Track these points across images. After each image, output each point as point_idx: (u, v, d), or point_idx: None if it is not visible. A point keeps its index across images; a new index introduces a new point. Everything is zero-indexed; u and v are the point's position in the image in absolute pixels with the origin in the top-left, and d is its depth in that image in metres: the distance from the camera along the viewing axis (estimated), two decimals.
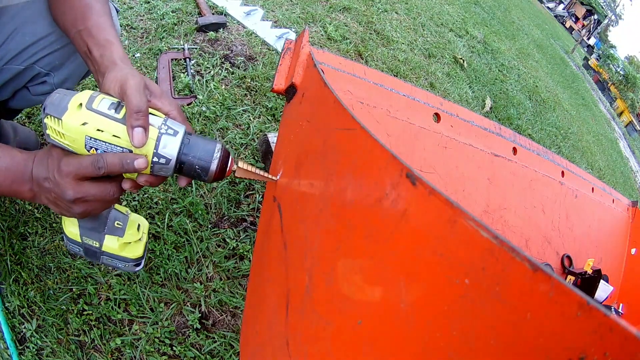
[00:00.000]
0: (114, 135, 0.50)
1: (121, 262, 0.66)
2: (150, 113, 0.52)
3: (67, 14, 0.66)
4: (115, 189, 0.55)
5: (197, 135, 0.55)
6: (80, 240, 0.63)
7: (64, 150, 0.52)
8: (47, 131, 0.50)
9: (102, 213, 0.62)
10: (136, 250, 0.66)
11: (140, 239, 0.67)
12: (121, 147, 0.51)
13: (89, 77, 1.03)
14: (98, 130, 0.50)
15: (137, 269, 0.68)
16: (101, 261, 0.66)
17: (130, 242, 0.65)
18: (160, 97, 0.57)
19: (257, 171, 0.60)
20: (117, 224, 0.63)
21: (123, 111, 0.51)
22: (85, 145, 0.50)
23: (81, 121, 0.49)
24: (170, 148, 0.51)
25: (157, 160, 0.51)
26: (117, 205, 0.65)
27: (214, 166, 0.53)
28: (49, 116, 0.49)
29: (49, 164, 0.53)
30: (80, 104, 0.50)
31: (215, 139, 0.56)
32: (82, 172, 0.51)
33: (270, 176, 0.62)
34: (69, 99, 0.50)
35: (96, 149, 0.50)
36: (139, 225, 0.67)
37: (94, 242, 0.63)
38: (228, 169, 0.56)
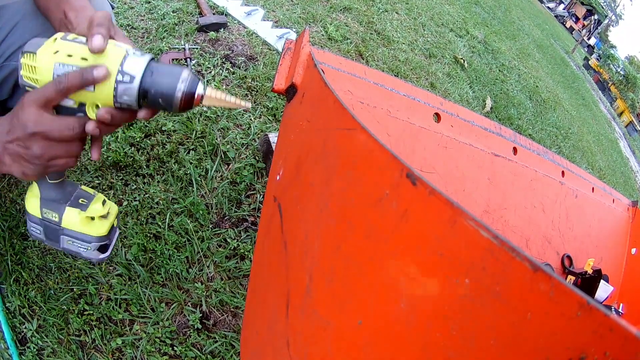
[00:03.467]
0: (82, 58, 0.50)
1: (83, 245, 0.60)
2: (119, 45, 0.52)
3: None
4: (76, 125, 0.52)
5: (164, 63, 0.55)
6: (40, 216, 0.60)
7: (31, 104, 0.52)
8: (22, 71, 0.51)
9: (67, 187, 0.59)
10: (100, 228, 0.61)
11: (105, 217, 0.62)
12: None
13: None
14: (68, 55, 0.50)
15: (102, 256, 0.62)
16: (62, 244, 0.61)
17: (93, 218, 0.60)
18: (123, 38, 0.57)
19: (228, 97, 0.54)
20: (82, 200, 0.60)
21: None
22: (53, 74, 0.50)
23: (54, 50, 0.50)
24: (135, 66, 0.50)
25: (121, 78, 0.50)
26: (85, 187, 0.62)
27: (179, 93, 0.50)
28: (25, 54, 0.50)
29: (14, 120, 0.52)
30: (56, 38, 0.51)
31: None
32: (44, 95, 0.50)
33: (241, 102, 0.55)
34: (46, 39, 0.51)
35: None
36: (104, 200, 0.62)
37: (54, 215, 0.59)
38: (197, 95, 0.52)
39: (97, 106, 0.52)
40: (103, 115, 0.52)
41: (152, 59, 0.52)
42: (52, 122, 0.51)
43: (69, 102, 0.52)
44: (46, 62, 0.50)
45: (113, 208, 0.65)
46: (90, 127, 0.52)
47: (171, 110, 0.52)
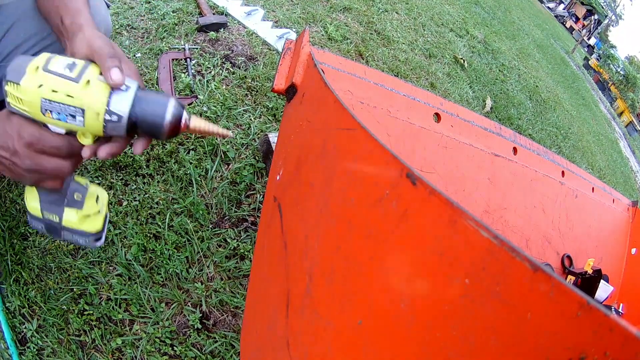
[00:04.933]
0: (67, 95, 0.50)
1: (81, 237, 0.66)
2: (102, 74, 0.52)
3: None
4: (69, 166, 0.55)
5: (150, 90, 0.55)
6: (41, 216, 0.63)
7: (22, 117, 0.52)
8: (8, 99, 0.51)
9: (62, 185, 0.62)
10: (95, 224, 0.66)
11: (99, 212, 0.66)
12: (74, 107, 0.50)
13: None
14: (53, 91, 0.49)
15: (98, 244, 0.68)
16: (62, 237, 0.66)
17: (89, 215, 0.65)
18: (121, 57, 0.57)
19: (212, 127, 0.57)
20: (77, 196, 0.63)
21: (77, 70, 0.51)
22: (41, 108, 0.50)
23: (37, 83, 0.49)
24: (122, 104, 0.51)
25: (109, 117, 0.51)
26: (77, 177, 0.65)
27: (167, 119, 0.52)
28: (9, 82, 0.50)
29: (7, 131, 0.53)
30: (37, 67, 0.50)
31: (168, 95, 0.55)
32: (42, 145, 0.52)
33: (222, 131, 0.57)
34: (27, 63, 0.50)
35: (51, 112, 0.50)
36: (97, 197, 0.66)
37: (54, 216, 0.63)
38: (182, 124, 0.54)
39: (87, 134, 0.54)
40: (102, 153, 0.54)
41: (138, 87, 0.53)
42: (48, 163, 0.53)
43: (59, 130, 0.53)
44: (31, 96, 0.49)
45: (103, 200, 0.68)
46: (87, 153, 0.54)
47: (158, 138, 0.54)
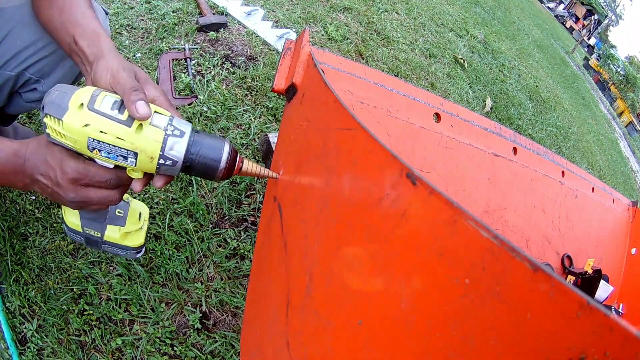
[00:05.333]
0: (117, 138, 0.48)
1: (122, 250, 0.67)
2: (155, 112, 0.51)
3: (52, 9, 0.65)
4: (117, 196, 0.55)
5: (204, 133, 0.54)
6: (81, 230, 0.63)
7: (64, 148, 0.51)
8: (47, 130, 0.49)
9: None
10: (137, 239, 0.66)
11: (141, 228, 0.67)
12: (125, 149, 0.49)
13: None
14: (101, 132, 0.48)
15: (138, 255, 0.69)
16: (102, 249, 0.67)
17: (131, 231, 0.65)
18: (145, 83, 0.56)
19: (262, 170, 0.59)
20: (118, 212, 0.64)
21: (127, 112, 0.50)
22: (88, 146, 0.49)
23: (83, 122, 0.47)
24: (177, 150, 0.50)
25: (163, 162, 0.50)
26: None
27: (222, 166, 0.53)
28: (48, 116, 0.48)
29: (49, 162, 0.52)
30: (82, 104, 0.48)
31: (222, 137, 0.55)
32: (87, 180, 0.51)
33: (272, 173, 0.62)
34: (69, 98, 0.48)
35: (99, 150, 0.49)
36: (140, 213, 0.67)
37: (96, 232, 0.63)
38: (236, 167, 0.55)
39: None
40: (155, 184, 0.54)
41: (192, 130, 0.52)
42: (94, 194, 0.53)
43: (107, 164, 0.52)
44: (77, 134, 0.48)
45: (145, 215, 0.68)
46: (138, 187, 0.54)
47: (210, 179, 0.55)
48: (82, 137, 0.48)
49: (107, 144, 0.49)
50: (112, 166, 0.52)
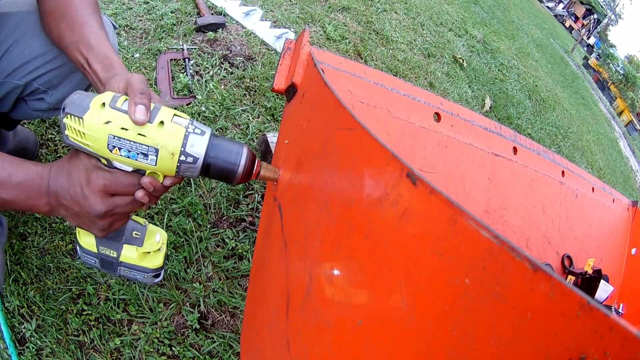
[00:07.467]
0: (139, 134, 0.49)
1: (140, 274, 0.65)
2: (176, 115, 0.51)
3: (62, 25, 0.65)
4: (146, 199, 0.55)
5: (223, 137, 0.55)
6: (96, 251, 0.62)
7: (87, 158, 0.51)
8: (67, 132, 0.49)
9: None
10: (155, 260, 0.65)
11: (159, 249, 0.65)
12: (147, 146, 0.49)
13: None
14: (122, 128, 0.48)
15: (157, 280, 0.67)
16: (118, 273, 0.65)
17: (149, 252, 0.64)
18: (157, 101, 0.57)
19: (278, 173, 0.60)
20: (135, 234, 0.62)
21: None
22: (108, 144, 0.49)
23: (104, 119, 0.48)
24: (198, 147, 0.51)
25: (184, 159, 0.51)
26: (134, 217, 0.64)
27: (240, 169, 0.53)
28: (69, 115, 0.48)
29: (74, 176, 0.52)
30: (104, 103, 0.49)
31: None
32: (114, 187, 0.51)
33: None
34: (90, 99, 0.49)
35: (119, 148, 0.49)
36: (158, 235, 0.65)
37: (112, 252, 0.62)
38: (254, 172, 0.56)
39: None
40: (167, 184, 0.55)
41: (212, 133, 0.53)
42: (122, 200, 0.53)
43: (126, 168, 0.52)
44: (98, 131, 0.48)
45: (164, 238, 0.67)
46: (167, 182, 0.55)
47: (228, 183, 0.55)
48: (102, 134, 0.48)
49: (128, 140, 0.49)
50: (130, 169, 0.52)
